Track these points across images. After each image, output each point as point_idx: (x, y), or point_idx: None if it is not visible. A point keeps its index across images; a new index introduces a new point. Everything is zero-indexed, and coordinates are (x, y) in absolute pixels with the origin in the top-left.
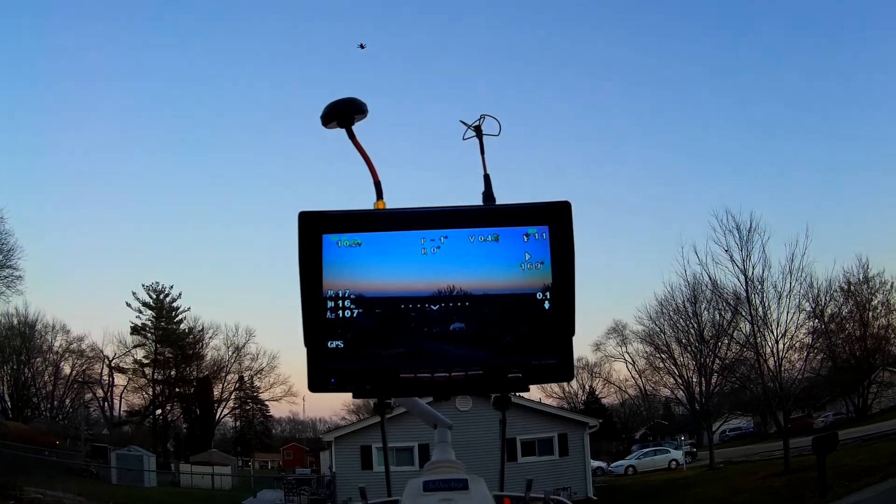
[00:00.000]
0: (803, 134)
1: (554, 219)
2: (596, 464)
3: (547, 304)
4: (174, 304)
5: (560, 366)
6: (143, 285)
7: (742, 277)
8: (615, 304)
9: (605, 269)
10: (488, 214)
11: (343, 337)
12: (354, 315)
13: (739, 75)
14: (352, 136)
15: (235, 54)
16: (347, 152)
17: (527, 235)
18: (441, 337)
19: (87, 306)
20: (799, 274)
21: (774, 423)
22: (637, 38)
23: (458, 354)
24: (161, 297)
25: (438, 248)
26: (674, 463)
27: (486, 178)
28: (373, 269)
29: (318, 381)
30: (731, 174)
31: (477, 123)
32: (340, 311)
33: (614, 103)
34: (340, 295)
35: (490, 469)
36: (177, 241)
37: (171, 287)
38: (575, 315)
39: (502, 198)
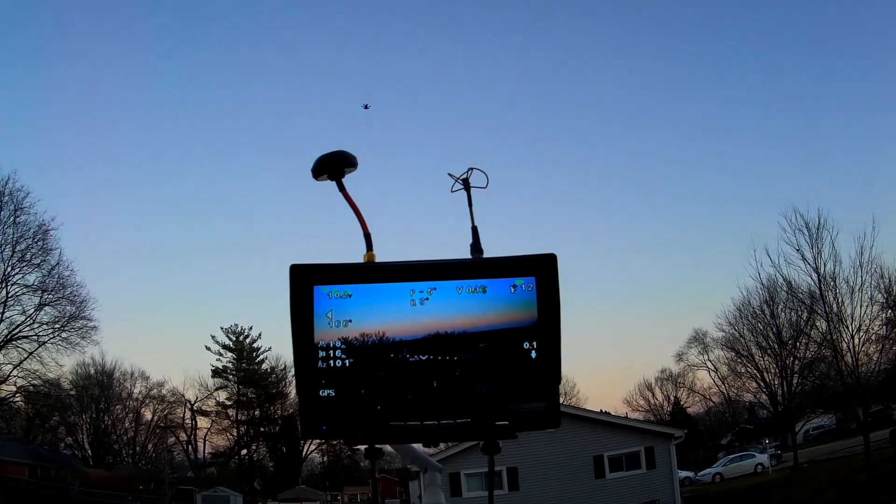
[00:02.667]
0: (862, 121)
1: (541, 270)
2: (683, 474)
3: (534, 353)
4: (254, 345)
5: (547, 413)
6: (221, 328)
7: (815, 276)
8: (694, 314)
9: (682, 280)
10: (476, 266)
11: (334, 385)
12: (345, 364)
13: (798, 73)
14: (342, 188)
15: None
16: (338, 204)
17: (514, 287)
18: (430, 385)
19: (165, 352)
20: (869, 266)
21: (854, 419)
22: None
23: (446, 403)
24: (241, 338)
25: (427, 299)
26: (759, 467)
27: (474, 229)
28: (363, 320)
29: (311, 428)
30: (796, 171)
31: (465, 176)
32: (331, 361)
33: (670, 113)
34: (331, 345)
35: (572, 487)
36: (253, 282)
37: (251, 328)
38: (561, 363)
39: (490, 248)
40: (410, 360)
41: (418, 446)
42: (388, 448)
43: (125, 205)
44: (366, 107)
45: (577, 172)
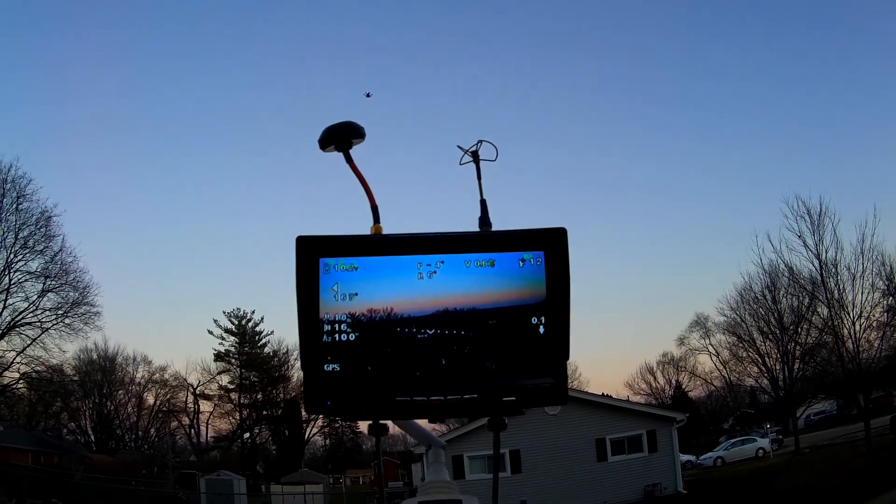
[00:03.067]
0: (862, 110)
1: (550, 244)
2: (685, 457)
3: (542, 329)
4: (257, 329)
5: (555, 389)
6: (224, 312)
7: (816, 262)
8: (696, 298)
9: (685, 263)
10: (484, 240)
11: (339, 360)
12: (351, 339)
13: (804, 63)
14: (349, 160)
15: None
16: (345, 176)
17: (522, 261)
18: (436, 360)
19: (168, 336)
20: (871, 254)
21: (855, 405)
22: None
23: (453, 378)
24: (243, 322)
25: (434, 272)
26: (761, 451)
27: (483, 203)
28: (369, 293)
29: (315, 403)
30: (798, 157)
31: (474, 148)
32: (337, 335)
33: (674, 98)
34: (337, 319)
35: (574, 470)
36: (254, 265)
37: (253, 312)
38: (569, 339)
39: (498, 222)
40: (417, 334)
41: (423, 423)
42: (392, 426)
43: (126, 188)
44: (368, 95)
45: (585, 151)
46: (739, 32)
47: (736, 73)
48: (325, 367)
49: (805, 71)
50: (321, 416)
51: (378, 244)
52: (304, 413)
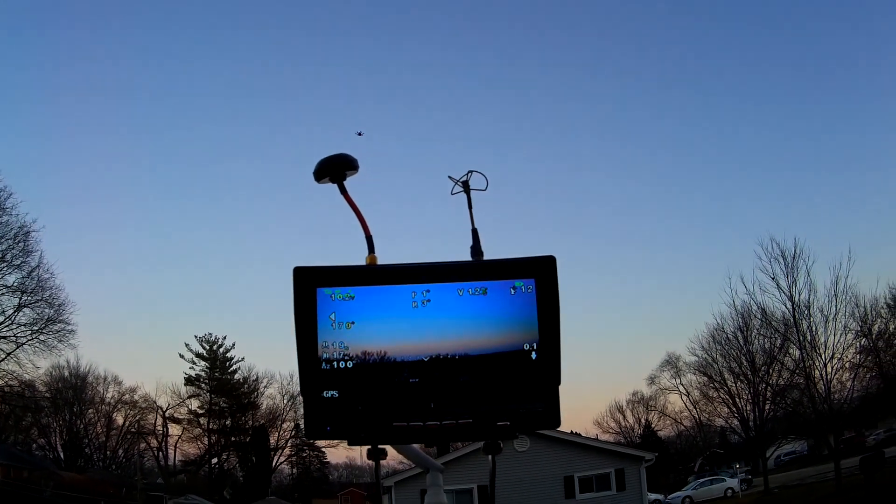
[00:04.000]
0: (837, 154)
1: (540, 272)
2: (653, 496)
3: (534, 355)
4: (228, 355)
5: (547, 413)
6: (195, 336)
7: (789, 304)
8: (668, 338)
9: (657, 302)
10: (476, 268)
11: (338, 387)
12: (349, 366)
13: (779, 105)
14: (344, 191)
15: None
16: (340, 207)
17: (514, 288)
18: (432, 386)
19: (139, 358)
20: (844, 297)
21: (826, 446)
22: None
23: (448, 403)
24: (214, 347)
25: (428, 300)
26: (730, 491)
27: (474, 232)
28: (365, 322)
29: (315, 428)
30: (774, 199)
31: (464, 178)
32: (335, 363)
33: (651, 139)
34: (335, 347)
35: None
36: (228, 292)
37: (225, 338)
38: (561, 364)
39: (490, 250)
40: (412, 361)
41: (420, 446)
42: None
43: (107, 208)
44: (359, 134)
45: (569, 189)
46: (714, 75)
47: (712, 115)
48: (324, 393)
49: (781, 114)
50: (317, 440)
51: (373, 274)
52: (271, 440)
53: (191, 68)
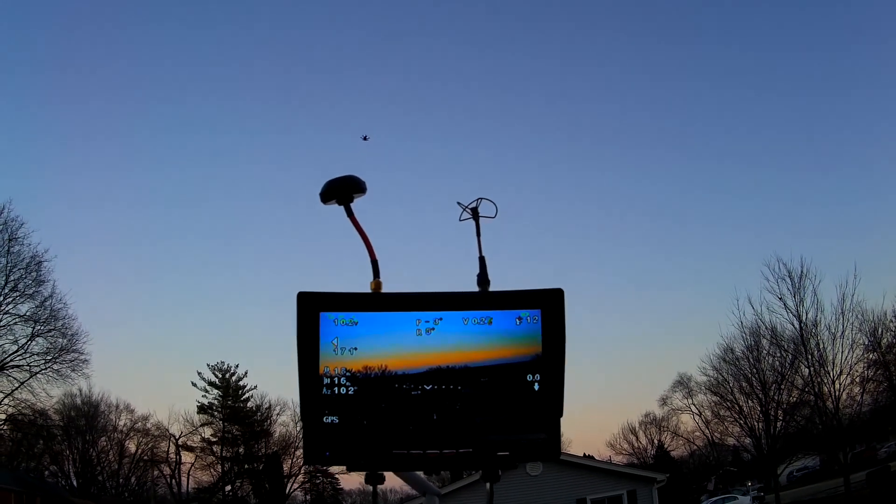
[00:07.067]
0: (845, 169)
1: (547, 304)
2: None
3: (537, 386)
4: (240, 383)
5: (547, 444)
6: (208, 365)
7: (797, 323)
8: (679, 359)
9: (668, 324)
10: (482, 298)
11: (338, 413)
12: (350, 392)
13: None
14: (350, 214)
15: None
16: (346, 230)
17: (519, 319)
18: (433, 415)
19: (151, 387)
20: (850, 314)
21: (836, 462)
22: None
23: (449, 432)
24: (227, 375)
25: (433, 329)
26: None
27: (482, 259)
28: (368, 349)
29: (314, 453)
30: (781, 220)
31: (473, 205)
32: (336, 388)
33: (657, 164)
34: (336, 372)
35: None
36: (240, 320)
37: (237, 366)
38: (563, 396)
39: (497, 279)
40: (415, 389)
41: (419, 472)
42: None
43: (118, 238)
44: (365, 138)
45: (579, 211)
46: (724, 88)
47: (721, 133)
48: (325, 418)
49: (788, 132)
50: (318, 465)
51: (378, 300)
52: (285, 468)
53: (191, 101)
